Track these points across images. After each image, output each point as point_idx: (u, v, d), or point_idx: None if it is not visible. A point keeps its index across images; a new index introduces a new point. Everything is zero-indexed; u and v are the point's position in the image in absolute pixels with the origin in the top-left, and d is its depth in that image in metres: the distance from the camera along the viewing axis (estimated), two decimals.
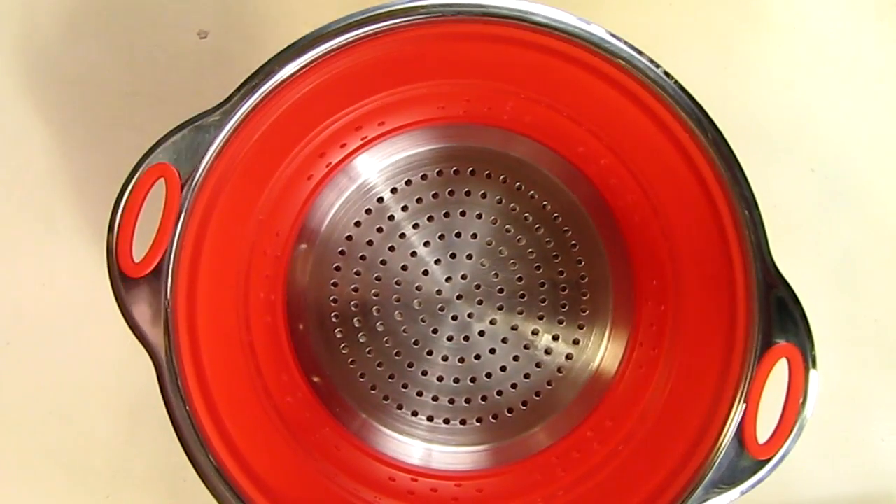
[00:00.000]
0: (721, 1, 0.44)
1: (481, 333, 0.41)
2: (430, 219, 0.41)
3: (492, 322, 0.41)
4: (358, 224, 0.41)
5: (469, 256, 0.41)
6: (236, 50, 0.43)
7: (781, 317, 0.29)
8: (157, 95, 0.43)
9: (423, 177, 0.41)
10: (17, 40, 0.43)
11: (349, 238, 0.41)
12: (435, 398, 0.41)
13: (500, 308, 0.41)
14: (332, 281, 0.41)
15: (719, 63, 0.44)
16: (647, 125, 0.32)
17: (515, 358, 0.41)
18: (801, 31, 0.44)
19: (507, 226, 0.41)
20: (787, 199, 0.43)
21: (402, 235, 0.41)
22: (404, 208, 0.41)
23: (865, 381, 0.43)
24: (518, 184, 0.41)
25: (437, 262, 0.41)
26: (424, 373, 0.41)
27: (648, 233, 0.38)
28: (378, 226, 0.41)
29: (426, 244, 0.41)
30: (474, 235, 0.41)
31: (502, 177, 0.41)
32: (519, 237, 0.41)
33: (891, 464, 0.43)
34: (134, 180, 0.29)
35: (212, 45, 0.43)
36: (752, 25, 0.44)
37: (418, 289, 0.41)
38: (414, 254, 0.41)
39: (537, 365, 0.41)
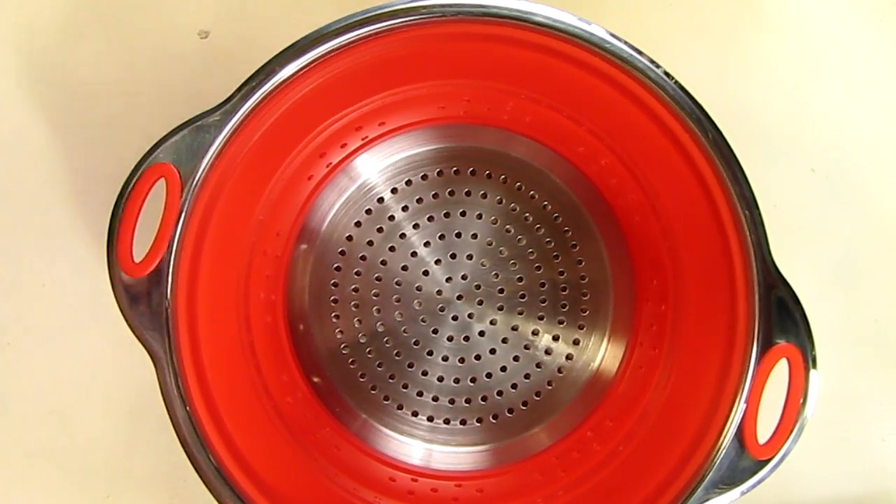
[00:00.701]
0: (721, 1, 0.44)
1: (481, 334, 0.41)
2: (430, 219, 0.41)
3: (492, 322, 0.41)
4: (358, 224, 0.41)
5: (469, 257, 0.41)
6: (236, 50, 0.43)
7: (781, 317, 0.29)
8: (158, 95, 0.43)
9: (424, 177, 0.41)
10: (17, 41, 0.43)
11: (349, 238, 0.41)
12: (435, 398, 0.41)
13: (501, 308, 0.41)
14: (333, 281, 0.41)
15: (719, 63, 0.44)
16: (648, 125, 0.32)
17: (516, 358, 0.41)
18: (802, 31, 0.44)
19: (508, 226, 0.41)
20: (787, 199, 0.43)
21: (403, 235, 0.41)
22: (405, 208, 0.41)
23: (865, 381, 0.43)
24: (518, 184, 0.41)
25: (438, 262, 0.41)
26: (425, 373, 0.41)
27: (648, 233, 0.38)
28: (378, 226, 0.41)
29: (426, 244, 0.41)
30: (474, 235, 0.41)
31: (502, 177, 0.41)
32: (519, 237, 0.41)
33: (891, 464, 0.43)
34: (134, 180, 0.29)
35: (212, 45, 0.43)
36: (752, 26, 0.44)
37: (418, 289, 0.41)
38: (414, 254, 0.41)
39: (537, 365, 0.41)
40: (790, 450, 0.29)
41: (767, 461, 0.29)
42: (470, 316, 0.41)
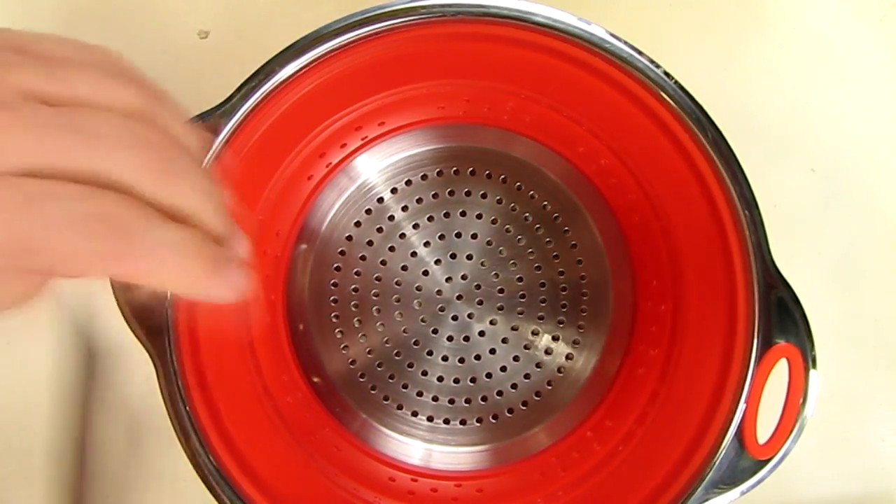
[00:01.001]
0: (721, 1, 0.44)
1: (481, 334, 0.41)
2: (430, 219, 0.41)
3: (492, 322, 0.41)
4: (358, 224, 0.41)
5: (469, 257, 0.41)
6: (236, 50, 0.43)
7: (781, 317, 0.29)
8: None
9: (423, 177, 0.41)
10: None
11: (349, 238, 0.41)
12: (435, 398, 0.41)
13: (500, 308, 0.41)
14: (332, 281, 0.41)
15: (719, 63, 0.44)
16: (647, 125, 0.32)
17: (515, 358, 0.41)
18: (801, 32, 0.44)
19: (507, 226, 0.41)
20: (787, 199, 0.43)
21: (403, 236, 0.41)
22: (404, 208, 0.41)
23: (865, 381, 0.43)
24: (518, 184, 0.41)
25: (438, 262, 0.41)
26: (424, 373, 0.41)
27: (648, 233, 0.38)
28: (378, 226, 0.41)
29: (426, 244, 0.41)
30: (474, 235, 0.41)
31: (502, 177, 0.41)
32: (519, 237, 0.41)
33: (891, 464, 0.43)
34: None
35: (212, 45, 0.43)
36: (752, 25, 0.44)
37: (418, 289, 0.41)
38: (414, 254, 0.41)
39: (537, 365, 0.41)
40: (790, 450, 0.29)
41: (767, 461, 0.29)
42: (470, 316, 0.41)
